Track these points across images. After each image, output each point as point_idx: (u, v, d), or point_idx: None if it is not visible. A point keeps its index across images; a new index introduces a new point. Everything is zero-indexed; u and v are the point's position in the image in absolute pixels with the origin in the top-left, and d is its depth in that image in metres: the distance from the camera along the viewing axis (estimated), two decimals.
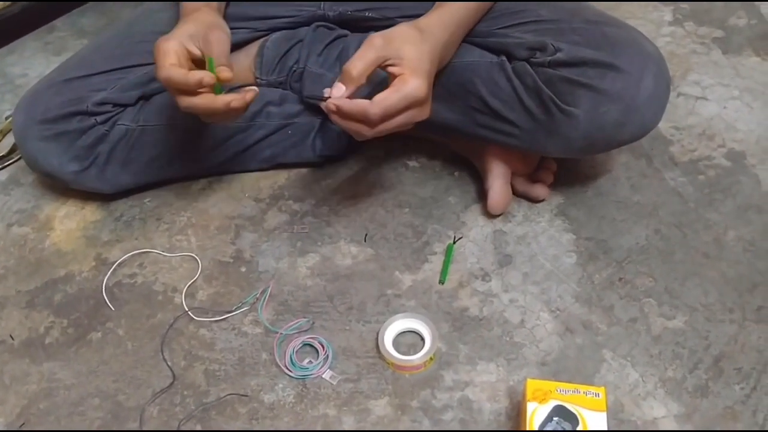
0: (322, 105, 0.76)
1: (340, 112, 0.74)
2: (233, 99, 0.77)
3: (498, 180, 0.92)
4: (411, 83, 0.73)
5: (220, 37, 0.79)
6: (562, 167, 0.97)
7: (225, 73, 0.77)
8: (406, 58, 0.74)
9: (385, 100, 0.73)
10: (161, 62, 0.77)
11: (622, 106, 0.80)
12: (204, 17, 0.81)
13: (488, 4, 0.88)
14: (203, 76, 0.76)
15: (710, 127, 1.05)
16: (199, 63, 0.80)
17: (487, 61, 0.87)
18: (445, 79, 0.88)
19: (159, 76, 0.77)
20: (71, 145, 0.92)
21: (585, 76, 0.80)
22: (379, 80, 0.77)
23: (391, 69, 0.75)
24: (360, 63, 0.74)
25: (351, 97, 0.74)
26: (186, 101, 0.78)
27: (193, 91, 0.77)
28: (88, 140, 0.92)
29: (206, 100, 0.77)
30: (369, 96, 0.74)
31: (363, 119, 0.74)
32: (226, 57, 0.78)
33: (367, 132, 0.75)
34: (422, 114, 0.77)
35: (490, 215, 0.94)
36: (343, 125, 0.76)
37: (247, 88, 0.81)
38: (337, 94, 0.74)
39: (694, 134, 1.04)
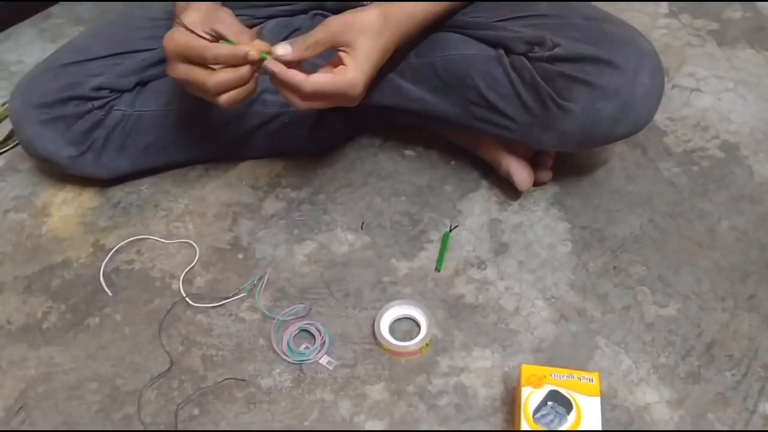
0: (264, 64, 0.76)
1: (275, 76, 0.75)
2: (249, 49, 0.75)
3: (512, 159, 0.93)
4: (349, 78, 0.75)
5: (230, 16, 0.78)
6: (558, 157, 0.97)
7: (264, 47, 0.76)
8: (357, 51, 0.76)
9: (319, 83, 0.75)
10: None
11: (618, 103, 0.80)
12: (201, 5, 0.81)
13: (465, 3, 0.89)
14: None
15: (704, 119, 1.06)
16: None
17: (485, 55, 0.87)
18: (443, 71, 0.89)
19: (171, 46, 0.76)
20: (68, 130, 0.91)
21: (582, 72, 0.80)
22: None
23: (340, 53, 0.77)
24: (312, 47, 0.76)
25: (294, 64, 0.76)
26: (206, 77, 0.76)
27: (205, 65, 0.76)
28: (84, 125, 0.92)
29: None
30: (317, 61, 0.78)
31: (295, 91, 0.76)
32: (243, 33, 0.77)
33: (297, 102, 0.77)
34: (351, 102, 0.79)
35: (487, 203, 0.95)
36: (279, 88, 0.77)
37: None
38: (281, 51, 0.75)
39: (688, 125, 1.05)
